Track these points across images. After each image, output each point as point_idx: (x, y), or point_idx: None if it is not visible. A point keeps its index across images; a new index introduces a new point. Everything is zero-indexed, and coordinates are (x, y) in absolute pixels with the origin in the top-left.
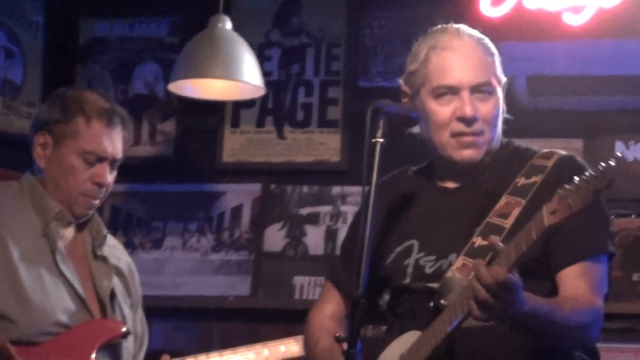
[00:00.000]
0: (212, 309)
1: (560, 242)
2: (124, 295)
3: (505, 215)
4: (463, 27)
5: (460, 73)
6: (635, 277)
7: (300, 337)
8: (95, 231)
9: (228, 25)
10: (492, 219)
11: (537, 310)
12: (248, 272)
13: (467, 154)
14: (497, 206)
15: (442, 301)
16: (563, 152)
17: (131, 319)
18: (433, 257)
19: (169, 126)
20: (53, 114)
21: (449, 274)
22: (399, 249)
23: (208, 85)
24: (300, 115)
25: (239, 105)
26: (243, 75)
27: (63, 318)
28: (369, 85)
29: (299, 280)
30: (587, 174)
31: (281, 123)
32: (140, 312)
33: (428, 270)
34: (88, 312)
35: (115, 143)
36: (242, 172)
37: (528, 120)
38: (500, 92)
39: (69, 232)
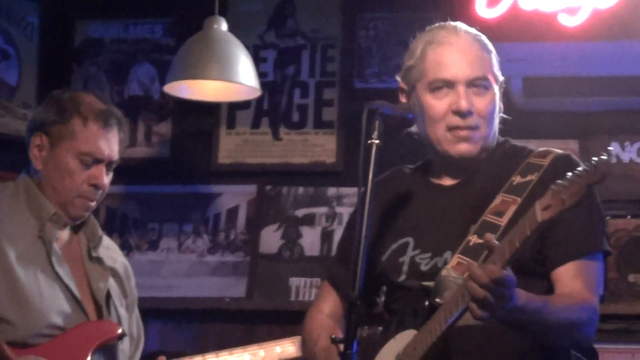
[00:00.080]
0: (208, 311)
1: (555, 240)
2: (120, 296)
3: (500, 214)
4: (460, 24)
5: (456, 67)
6: (631, 278)
7: (296, 338)
8: (91, 232)
9: (223, 26)
10: (488, 217)
11: (528, 305)
12: (244, 274)
13: (463, 148)
14: (493, 204)
15: (437, 300)
16: (559, 151)
17: (127, 321)
18: (428, 255)
19: (164, 127)
20: (49, 116)
21: (444, 272)
22: (394, 246)
23: (204, 87)
24: (295, 117)
25: (235, 107)
26: (238, 77)
27: (58, 320)
28: (364, 87)
29: (294, 281)
30: (579, 169)
31: (277, 124)
32: (136, 313)
33: (423, 268)
34: (84, 313)
35: (111, 145)
36: (237, 174)
37: (524, 121)
38: (496, 89)
39: (65, 233)
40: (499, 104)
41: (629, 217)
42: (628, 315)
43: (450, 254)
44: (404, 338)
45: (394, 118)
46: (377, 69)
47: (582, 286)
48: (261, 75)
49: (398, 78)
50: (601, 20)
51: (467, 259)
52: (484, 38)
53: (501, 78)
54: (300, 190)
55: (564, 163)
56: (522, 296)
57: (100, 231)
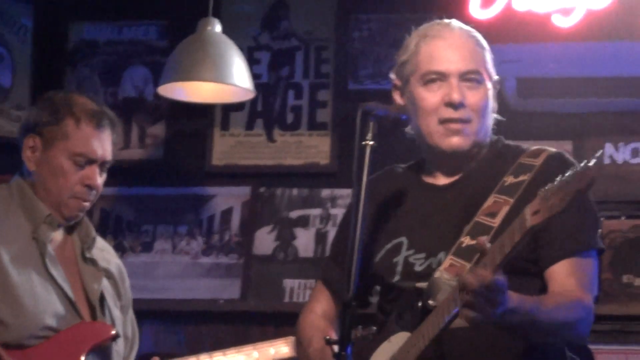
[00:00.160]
0: (202, 312)
1: (548, 238)
2: (114, 297)
3: (493, 215)
4: (455, 20)
5: (449, 60)
6: (625, 278)
7: (289, 338)
8: (84, 234)
9: (217, 28)
10: (480, 218)
11: (520, 307)
12: (238, 275)
13: (454, 141)
14: (485, 205)
15: (430, 302)
16: (552, 150)
17: (121, 322)
18: (422, 255)
19: (158, 129)
20: (42, 117)
21: (436, 274)
22: (388, 246)
23: (197, 88)
24: (289, 118)
25: (229, 108)
26: (232, 78)
27: (52, 322)
28: (358, 88)
29: (288, 283)
30: (567, 174)
31: (271, 126)
32: (130, 314)
33: (418, 269)
34: (78, 315)
35: (104, 145)
36: (231, 175)
37: (517, 122)
38: (490, 85)
39: (58, 235)
40: (492, 101)
41: (623, 218)
42: (622, 316)
43: (444, 255)
44: (398, 340)
45: (388, 119)
46: (371, 71)
47: (576, 284)
48: (255, 76)
49: (392, 75)
50: (595, 21)
51: (460, 261)
52: (477, 34)
53: (495, 77)
54: (294, 191)
55: (556, 162)
56: (515, 298)
57: (93, 232)
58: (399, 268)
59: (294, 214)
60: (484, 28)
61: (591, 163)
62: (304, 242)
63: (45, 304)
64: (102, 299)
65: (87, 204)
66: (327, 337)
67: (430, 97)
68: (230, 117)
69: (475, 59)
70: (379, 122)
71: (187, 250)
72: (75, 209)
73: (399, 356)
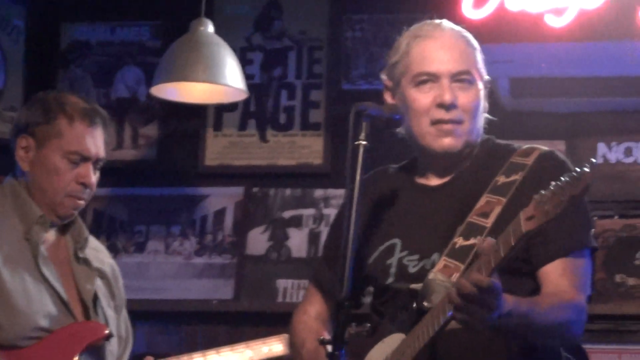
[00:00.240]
0: (196, 313)
1: (541, 238)
2: (107, 297)
3: (485, 215)
4: (445, 21)
5: (440, 61)
6: (618, 278)
7: (284, 336)
8: (77, 234)
9: (210, 28)
10: (473, 218)
11: (515, 310)
12: (231, 276)
13: (446, 142)
14: (478, 205)
15: (425, 303)
16: (543, 148)
17: (115, 321)
18: (416, 257)
19: (151, 130)
20: (34, 117)
21: (430, 275)
22: (381, 247)
23: (190, 89)
24: (282, 119)
25: (222, 109)
26: (225, 79)
27: (45, 322)
28: (351, 88)
29: (282, 283)
30: (562, 179)
31: (264, 126)
32: (124, 314)
33: (411, 270)
34: (71, 315)
35: (97, 143)
36: (224, 176)
37: (511, 122)
38: (481, 86)
39: (51, 235)
40: (483, 101)
41: (616, 217)
42: (615, 316)
43: (438, 256)
44: (393, 341)
45: (381, 119)
46: (363, 71)
47: (569, 284)
48: (248, 77)
49: (383, 76)
50: (588, 21)
51: (454, 262)
52: (468, 35)
53: (486, 76)
54: (288, 192)
55: (548, 161)
56: (510, 301)
57: (86, 232)
58: (393, 270)
59: (287, 214)
60: (477, 28)
61: (586, 169)
62: (297, 242)
63: (38, 304)
64: (95, 298)
65: (82, 203)
66: (321, 337)
67: (422, 98)
68: (223, 117)
69: (466, 59)
70: (372, 122)
71: (180, 251)
72: (70, 207)
73: (393, 357)
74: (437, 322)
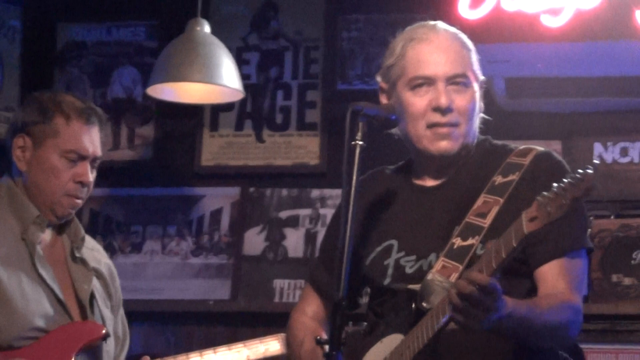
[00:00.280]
0: (192, 313)
1: (538, 239)
2: (104, 297)
3: (483, 215)
4: (440, 22)
5: (436, 64)
6: (614, 278)
7: (281, 335)
8: (74, 234)
9: (206, 29)
10: (471, 218)
11: (515, 312)
12: (228, 276)
13: (443, 145)
14: (475, 205)
15: (423, 304)
16: (540, 148)
17: (112, 321)
18: (413, 257)
19: (147, 130)
20: (31, 116)
21: (429, 276)
22: (378, 248)
23: (186, 89)
24: (279, 119)
25: (218, 109)
26: (221, 79)
27: (42, 322)
28: (347, 88)
29: (278, 283)
30: (566, 181)
31: (260, 126)
32: (121, 314)
33: (408, 271)
34: (68, 315)
35: (94, 141)
36: (221, 176)
37: (507, 122)
38: (477, 87)
39: (48, 235)
40: (479, 102)
41: (612, 217)
42: (612, 315)
43: (435, 256)
44: (391, 342)
45: (377, 119)
46: (360, 71)
47: (566, 285)
48: (244, 77)
49: (378, 78)
50: (584, 21)
51: (452, 262)
52: (463, 36)
53: (482, 77)
54: (284, 192)
55: (544, 161)
56: (509, 304)
57: (82, 232)
58: (390, 270)
59: (284, 214)
60: (473, 28)
61: (589, 170)
62: (294, 242)
63: (34, 304)
64: (92, 298)
65: (79, 202)
66: (318, 337)
67: (418, 101)
68: (219, 117)
69: (461, 61)
70: (368, 122)
71: (177, 251)
72: (68, 206)
73: (392, 358)
74: (436, 323)
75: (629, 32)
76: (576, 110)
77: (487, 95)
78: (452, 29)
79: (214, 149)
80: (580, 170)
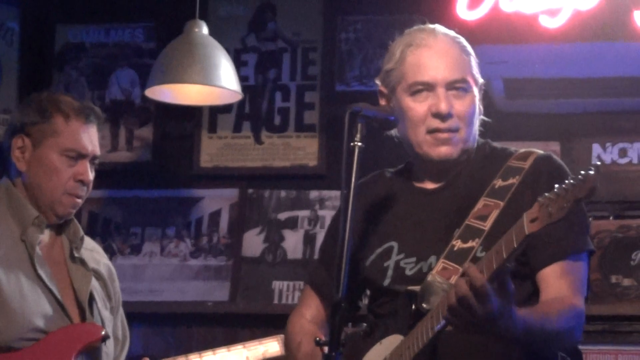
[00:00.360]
0: (191, 315)
1: (539, 241)
2: (104, 298)
3: (483, 218)
4: (439, 26)
5: (435, 69)
6: (613, 279)
7: (280, 336)
8: (72, 234)
9: (204, 30)
10: (471, 221)
11: (530, 328)
12: (227, 278)
13: (443, 150)
14: (476, 208)
15: (423, 305)
16: (540, 152)
17: (111, 323)
18: (413, 259)
19: (146, 132)
20: (30, 117)
21: (429, 277)
22: (378, 250)
23: (185, 91)
24: (277, 120)
25: (216, 111)
26: (220, 81)
27: (41, 323)
28: (345, 90)
29: (277, 285)
30: (567, 182)
31: (258, 128)
32: (121, 315)
33: (408, 273)
34: (67, 316)
35: (93, 140)
36: (219, 177)
37: (505, 123)
38: (476, 91)
39: (47, 236)
40: (478, 106)
41: (611, 218)
42: (611, 316)
43: (435, 259)
44: (390, 343)
45: (376, 120)
46: (358, 72)
47: (568, 288)
48: (242, 78)
49: (377, 81)
50: (582, 21)
51: (452, 264)
52: (462, 40)
53: (481, 80)
54: (283, 193)
55: (545, 164)
56: (520, 319)
57: (81, 232)
58: (390, 272)
59: (283, 215)
60: (471, 29)
61: (591, 171)
62: (293, 243)
63: (33, 305)
64: (91, 299)
65: (80, 201)
66: (317, 339)
67: (418, 107)
68: (217, 119)
69: (461, 67)
70: (367, 123)
71: (176, 253)
72: (69, 205)
73: (392, 359)
74: (437, 324)
75: (627, 33)
76: (575, 111)
77: (485, 96)
78: (451, 33)
79: (213, 151)
80: (582, 172)
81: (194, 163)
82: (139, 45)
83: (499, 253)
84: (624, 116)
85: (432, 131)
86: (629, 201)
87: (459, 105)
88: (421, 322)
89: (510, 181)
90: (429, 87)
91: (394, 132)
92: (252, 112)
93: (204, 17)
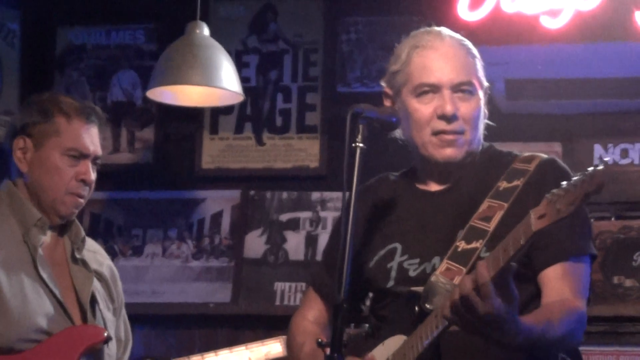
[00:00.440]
0: (193, 316)
1: (542, 242)
2: (106, 300)
3: (488, 219)
4: (445, 29)
5: (441, 71)
6: (615, 279)
7: (282, 337)
8: (74, 235)
9: (205, 31)
10: (475, 222)
11: (532, 335)
12: (229, 279)
13: (448, 152)
14: (480, 210)
15: (427, 305)
16: (544, 155)
17: (113, 324)
18: (416, 261)
19: (147, 133)
20: (31, 117)
21: (433, 278)
22: (381, 252)
23: (186, 92)
24: (278, 121)
25: (218, 112)
26: (221, 82)
27: (43, 325)
28: (347, 91)
29: (279, 286)
30: (575, 178)
31: (260, 129)
32: (123, 316)
33: (412, 274)
34: (68, 318)
35: (95, 140)
36: (221, 179)
37: (507, 124)
38: (481, 95)
39: (49, 237)
40: (484, 109)
41: (613, 219)
42: (613, 317)
43: (439, 260)
44: (393, 344)
45: (377, 121)
46: (359, 73)
47: (570, 290)
48: (244, 80)
49: (383, 83)
50: (583, 22)
51: (456, 265)
52: (468, 43)
53: (486, 84)
54: (284, 194)
55: (549, 167)
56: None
57: (83, 233)
58: (393, 273)
59: (284, 217)
60: (472, 30)
61: (600, 167)
62: (294, 245)
63: (35, 306)
64: (93, 301)
65: (82, 201)
66: (319, 340)
67: (423, 109)
68: (219, 120)
69: (467, 69)
70: (369, 124)
71: (178, 254)
72: (71, 205)
73: (395, 359)
74: (440, 324)
75: (628, 33)
76: (576, 112)
77: None
78: (457, 36)
79: (214, 152)
80: (590, 168)
81: (195, 164)
82: (140, 47)
83: (506, 250)
84: (626, 117)
85: (437, 133)
86: (631, 202)
87: (464, 108)
88: (425, 321)
89: (515, 183)
90: (435, 88)
91: (398, 134)
92: (254, 114)
93: (205, 19)
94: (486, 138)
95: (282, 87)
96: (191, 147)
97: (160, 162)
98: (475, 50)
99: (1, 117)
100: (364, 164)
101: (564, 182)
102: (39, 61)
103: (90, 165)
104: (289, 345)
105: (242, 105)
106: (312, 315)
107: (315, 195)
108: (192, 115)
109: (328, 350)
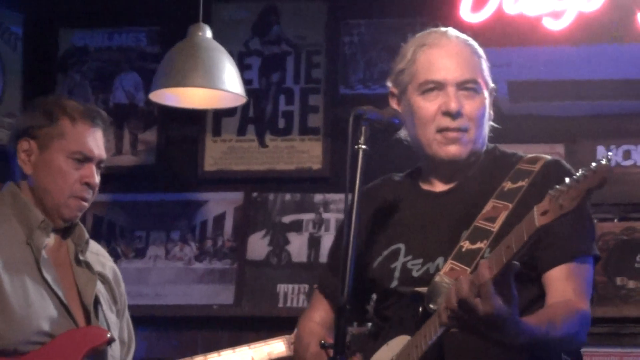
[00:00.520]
0: (196, 318)
1: (546, 243)
2: (109, 302)
3: (492, 219)
4: (451, 29)
5: (446, 69)
6: (618, 281)
7: (285, 337)
8: (78, 237)
9: (208, 34)
10: (479, 222)
11: (534, 335)
12: (231, 281)
13: (452, 150)
14: (484, 210)
15: (430, 305)
16: (549, 157)
17: (117, 326)
18: (420, 261)
19: (150, 135)
20: (36, 120)
21: (437, 278)
22: (385, 252)
23: (189, 94)
24: (281, 123)
25: (220, 114)
26: (224, 84)
27: (46, 327)
28: (349, 93)
29: (282, 288)
30: (578, 173)
31: (262, 131)
32: (127, 318)
33: (415, 274)
34: (72, 320)
35: (99, 143)
36: (224, 181)
37: (509, 126)
38: (486, 94)
39: (52, 240)
40: (489, 109)
41: (616, 220)
42: (616, 319)
43: (442, 260)
44: (398, 344)
45: (380, 123)
46: (362, 75)
47: (573, 291)
48: (246, 82)
49: (388, 83)
50: (586, 23)
51: (460, 265)
52: (474, 43)
53: (492, 85)
54: (287, 196)
55: (554, 168)
56: (527, 329)
57: (86, 235)
58: (397, 274)
59: (287, 218)
60: (475, 32)
61: (603, 162)
62: (297, 246)
63: (39, 308)
64: (96, 303)
65: (86, 204)
66: (323, 342)
67: (428, 106)
68: (222, 122)
69: (472, 68)
70: (371, 126)
71: (181, 256)
72: (75, 208)
73: (399, 359)
74: (444, 323)
75: (631, 35)
76: (579, 114)
77: None
78: (464, 36)
79: (217, 154)
80: (593, 163)
81: (198, 166)
82: (143, 49)
83: (509, 247)
84: (628, 118)
85: (441, 130)
86: (634, 203)
87: (469, 106)
88: (428, 321)
89: (520, 184)
90: (440, 86)
91: (403, 134)
92: (256, 116)
93: (207, 21)
94: (489, 140)
95: (285, 89)
96: (194, 149)
97: (162, 164)
98: (481, 51)
99: (4, 120)
100: (366, 166)
101: (567, 178)
102: (41, 64)
103: (94, 168)
104: (296, 346)
105: (245, 107)
106: (318, 316)
107: (318, 197)
108: (194, 118)
109: (331, 352)
